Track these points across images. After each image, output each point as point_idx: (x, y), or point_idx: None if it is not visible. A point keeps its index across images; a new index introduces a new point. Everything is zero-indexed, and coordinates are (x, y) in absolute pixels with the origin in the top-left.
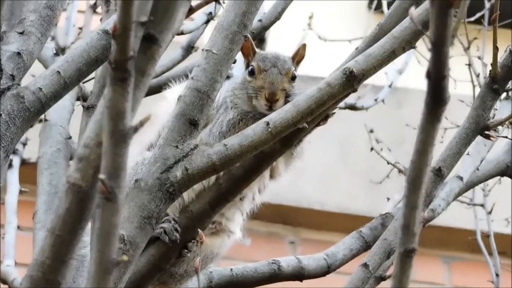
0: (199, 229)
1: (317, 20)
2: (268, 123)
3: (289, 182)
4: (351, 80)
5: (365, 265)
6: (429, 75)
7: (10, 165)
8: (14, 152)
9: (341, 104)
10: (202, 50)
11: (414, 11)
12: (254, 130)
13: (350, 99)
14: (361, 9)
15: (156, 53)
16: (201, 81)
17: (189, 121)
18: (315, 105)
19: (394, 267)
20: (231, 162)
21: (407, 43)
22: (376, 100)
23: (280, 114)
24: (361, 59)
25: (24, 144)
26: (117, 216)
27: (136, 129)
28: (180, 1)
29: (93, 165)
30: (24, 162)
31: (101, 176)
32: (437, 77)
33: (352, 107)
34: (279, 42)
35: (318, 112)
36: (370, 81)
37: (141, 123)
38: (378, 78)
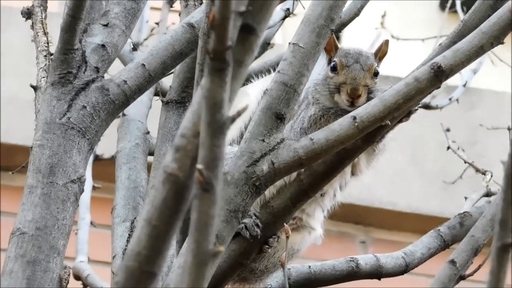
0: (285, 224)
1: (390, 19)
2: (355, 118)
3: (361, 182)
4: (438, 75)
5: (452, 262)
6: None
7: None
8: None
9: None
10: (289, 43)
11: None
12: (341, 125)
13: (425, 98)
14: (434, 8)
15: (254, 44)
16: (288, 75)
17: (276, 115)
18: (403, 100)
19: (491, 262)
20: (317, 156)
21: (496, 39)
22: (450, 99)
23: (367, 109)
24: (449, 54)
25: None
26: (215, 207)
27: (233, 119)
28: None
29: (190, 156)
30: (97, 158)
31: (199, 166)
32: None
33: (427, 107)
34: (352, 41)
35: (406, 107)
36: None
37: (238, 113)
38: (451, 78)
